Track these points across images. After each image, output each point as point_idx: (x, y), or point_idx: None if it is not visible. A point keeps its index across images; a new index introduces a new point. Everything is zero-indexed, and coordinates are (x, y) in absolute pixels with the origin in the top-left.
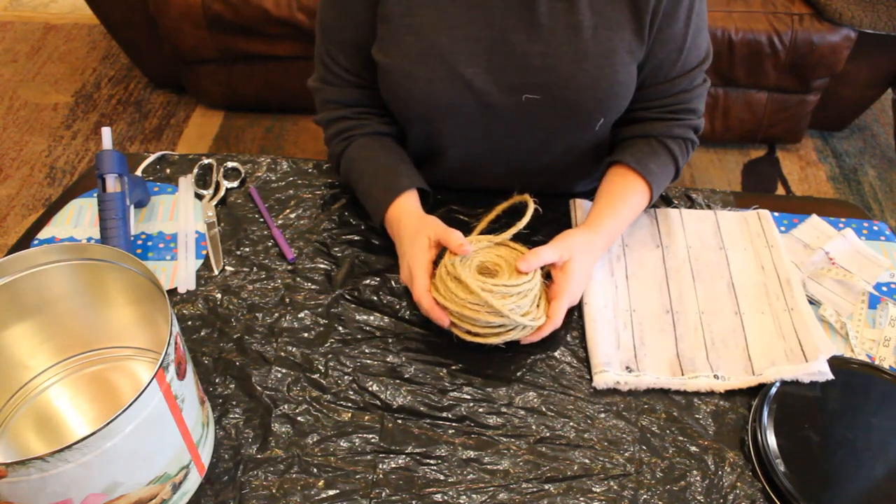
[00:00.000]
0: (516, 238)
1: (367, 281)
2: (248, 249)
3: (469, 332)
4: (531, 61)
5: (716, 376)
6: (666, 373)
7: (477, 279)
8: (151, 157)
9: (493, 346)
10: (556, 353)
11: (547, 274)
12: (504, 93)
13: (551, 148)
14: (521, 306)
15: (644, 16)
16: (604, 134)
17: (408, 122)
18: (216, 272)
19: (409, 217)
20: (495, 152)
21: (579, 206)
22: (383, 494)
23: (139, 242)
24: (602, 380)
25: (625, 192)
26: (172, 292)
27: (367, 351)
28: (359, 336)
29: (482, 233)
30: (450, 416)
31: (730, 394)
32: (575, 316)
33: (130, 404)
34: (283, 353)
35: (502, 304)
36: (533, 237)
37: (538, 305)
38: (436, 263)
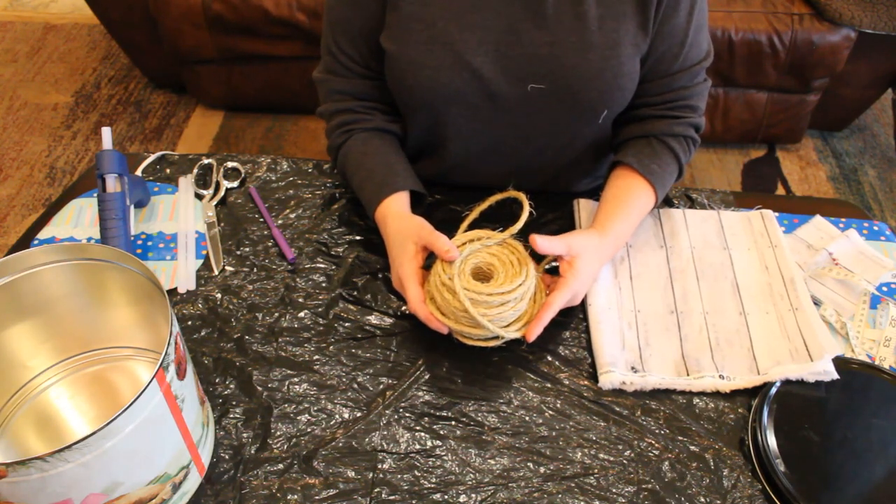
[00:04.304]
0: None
1: (367, 281)
2: (248, 249)
3: (470, 338)
4: (537, 51)
5: (721, 376)
6: (671, 373)
7: (471, 286)
8: (151, 157)
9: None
10: (557, 353)
11: (553, 269)
12: (510, 82)
13: (554, 141)
14: (518, 310)
15: (649, 8)
16: (606, 129)
17: (412, 111)
18: (216, 272)
19: (394, 219)
20: (498, 145)
21: (583, 206)
22: (383, 494)
23: (139, 242)
24: (608, 380)
25: (631, 195)
26: (172, 292)
27: (367, 351)
28: (359, 336)
29: (472, 223)
30: (450, 415)
31: (730, 394)
32: (574, 317)
33: (130, 404)
34: (283, 353)
35: (496, 321)
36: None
37: (535, 301)
38: (429, 266)
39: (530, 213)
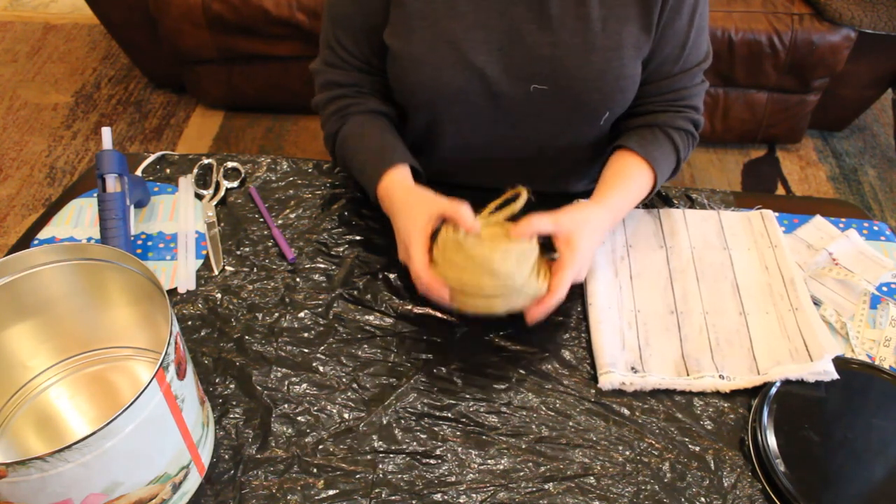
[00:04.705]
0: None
1: (367, 281)
2: (248, 249)
3: (473, 301)
4: (540, 51)
5: (721, 376)
6: (671, 373)
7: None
8: (151, 157)
9: (494, 344)
10: (557, 353)
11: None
12: (513, 82)
13: (554, 142)
14: (520, 270)
15: (653, 11)
16: (607, 130)
17: (413, 109)
18: (216, 272)
19: (399, 190)
20: (498, 144)
21: None
22: (383, 494)
23: (139, 242)
24: (607, 381)
25: (630, 172)
26: (172, 292)
27: (367, 351)
28: (359, 336)
29: None
30: (450, 415)
31: (730, 394)
32: (574, 317)
33: (130, 404)
34: (283, 353)
35: (501, 263)
36: None
37: (538, 274)
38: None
39: (529, 198)
